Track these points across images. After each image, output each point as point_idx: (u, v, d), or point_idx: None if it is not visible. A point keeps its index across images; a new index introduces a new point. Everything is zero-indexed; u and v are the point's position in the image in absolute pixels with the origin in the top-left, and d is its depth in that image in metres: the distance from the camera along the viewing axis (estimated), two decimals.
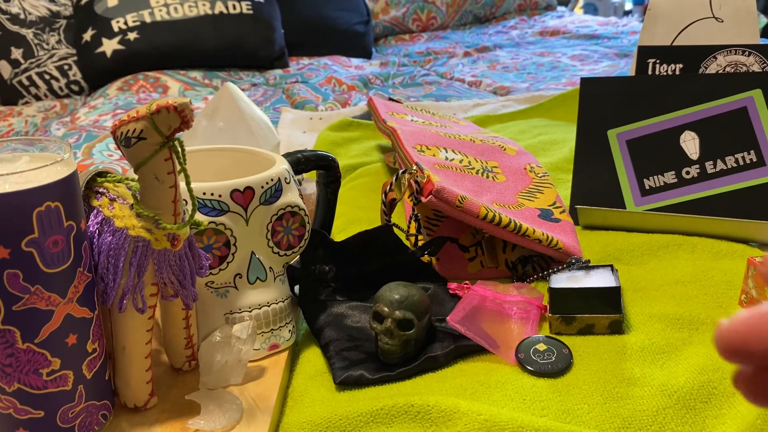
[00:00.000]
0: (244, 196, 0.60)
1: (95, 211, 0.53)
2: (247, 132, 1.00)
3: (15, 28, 1.79)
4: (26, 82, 1.79)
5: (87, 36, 1.80)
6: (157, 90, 1.73)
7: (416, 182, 0.74)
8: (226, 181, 0.60)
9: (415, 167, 0.76)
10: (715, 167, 0.86)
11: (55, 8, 1.87)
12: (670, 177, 0.87)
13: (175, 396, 0.58)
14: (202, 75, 1.82)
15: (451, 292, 0.71)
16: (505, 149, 1.00)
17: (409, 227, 0.78)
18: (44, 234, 0.46)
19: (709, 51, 0.97)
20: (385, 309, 0.61)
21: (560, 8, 2.92)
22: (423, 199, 0.72)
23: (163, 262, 0.52)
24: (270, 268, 0.63)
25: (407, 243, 0.78)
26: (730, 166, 0.85)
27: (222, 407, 0.54)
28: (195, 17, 1.85)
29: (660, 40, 1.05)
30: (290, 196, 0.63)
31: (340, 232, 0.89)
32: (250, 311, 0.62)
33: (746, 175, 0.84)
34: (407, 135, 0.94)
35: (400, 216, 0.95)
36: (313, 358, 0.64)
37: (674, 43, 1.05)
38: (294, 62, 2.04)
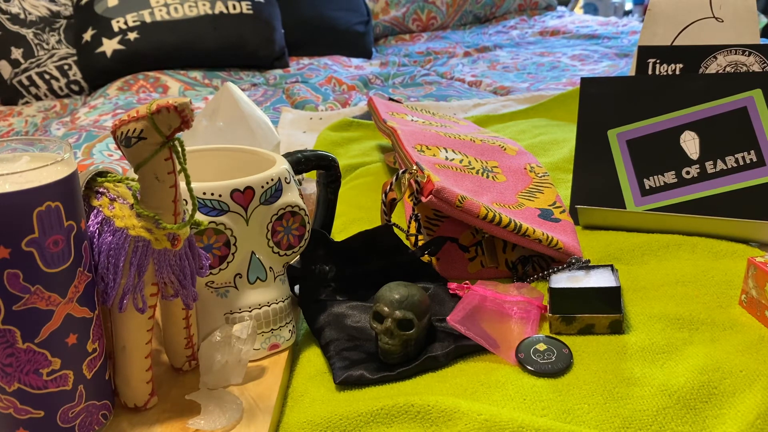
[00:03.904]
0: (244, 196, 0.60)
1: (95, 211, 0.53)
2: (247, 132, 1.00)
3: (15, 28, 1.79)
4: (26, 82, 1.79)
5: (87, 36, 1.80)
6: (157, 90, 1.73)
7: (416, 182, 0.74)
8: (226, 181, 0.60)
9: (415, 167, 0.76)
10: (715, 167, 0.86)
11: (55, 8, 1.87)
12: (670, 177, 0.87)
13: (175, 396, 0.58)
14: (202, 75, 1.82)
15: (451, 292, 0.71)
16: (505, 149, 1.00)
17: (409, 227, 0.78)
18: (44, 234, 0.46)
19: (709, 51, 0.97)
20: (386, 309, 0.61)
21: (560, 8, 2.92)
22: (423, 199, 0.73)
23: (164, 261, 0.52)
24: (270, 267, 0.63)
25: (407, 243, 0.78)
26: (730, 166, 0.85)
27: (222, 407, 0.54)
28: (195, 17, 1.85)
29: (660, 40, 1.05)
30: (290, 196, 0.63)
31: (340, 232, 0.89)
32: (250, 311, 0.62)
33: (746, 175, 0.84)
34: (407, 135, 0.94)
35: (400, 216, 0.95)
36: (313, 358, 0.64)
37: (674, 43, 1.05)
38: (294, 62, 2.04)
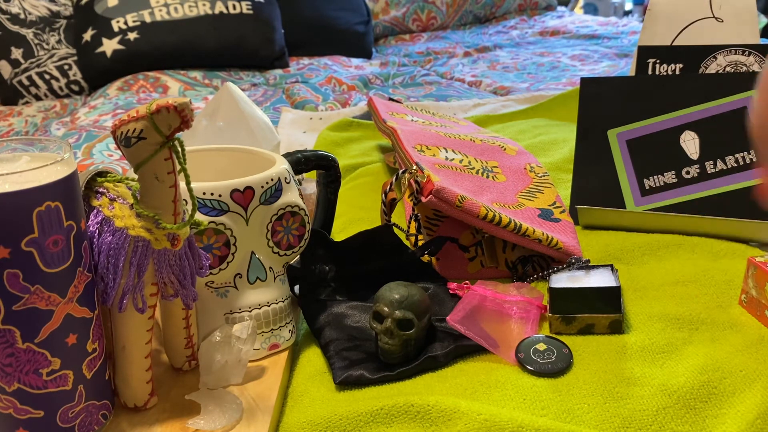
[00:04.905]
0: (244, 195, 0.60)
1: (95, 211, 0.53)
2: (247, 132, 1.00)
3: (15, 28, 1.79)
4: (26, 82, 1.79)
5: (87, 36, 1.80)
6: (157, 90, 1.73)
7: (416, 182, 0.74)
8: (226, 181, 0.60)
9: (415, 167, 0.76)
10: (715, 167, 0.86)
11: (55, 8, 1.87)
12: (670, 177, 0.87)
13: (175, 396, 0.58)
14: (202, 75, 1.82)
15: (451, 292, 0.71)
16: (505, 149, 1.00)
17: (409, 227, 0.78)
18: (44, 234, 0.46)
19: (709, 51, 0.97)
20: (385, 309, 0.61)
21: (560, 8, 2.92)
22: (423, 199, 0.73)
23: (163, 261, 0.52)
24: (270, 267, 0.63)
25: (407, 243, 0.78)
26: (730, 166, 0.85)
27: (222, 407, 0.54)
28: (195, 17, 1.85)
29: (660, 40, 1.05)
30: (290, 196, 0.63)
31: (340, 232, 0.89)
32: (250, 311, 0.62)
33: (746, 174, 0.84)
34: (407, 135, 0.94)
35: (400, 216, 0.95)
36: (313, 358, 0.64)
37: (674, 43, 1.05)
38: (294, 62, 2.04)
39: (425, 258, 0.78)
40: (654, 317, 0.66)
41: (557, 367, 0.59)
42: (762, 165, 0.25)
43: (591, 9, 3.77)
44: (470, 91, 1.72)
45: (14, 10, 1.80)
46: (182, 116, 0.47)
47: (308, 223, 0.65)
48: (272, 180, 0.62)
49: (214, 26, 1.85)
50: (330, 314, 0.68)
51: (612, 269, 0.69)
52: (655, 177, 0.88)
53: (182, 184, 0.54)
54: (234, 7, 1.89)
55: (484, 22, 2.70)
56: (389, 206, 0.77)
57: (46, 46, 1.82)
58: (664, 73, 0.98)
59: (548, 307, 0.66)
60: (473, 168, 0.88)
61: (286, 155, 0.70)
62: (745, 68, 0.96)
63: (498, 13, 2.72)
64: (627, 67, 1.83)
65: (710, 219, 0.79)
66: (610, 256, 0.79)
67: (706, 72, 0.97)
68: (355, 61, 2.11)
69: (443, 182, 0.73)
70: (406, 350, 0.61)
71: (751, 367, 0.57)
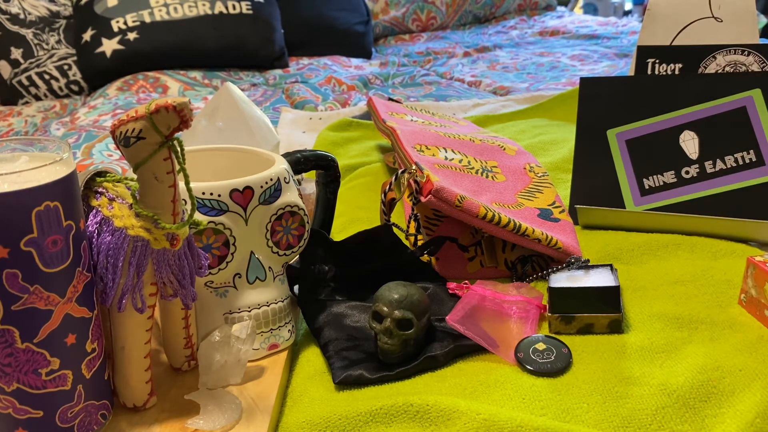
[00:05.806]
0: (243, 195, 0.60)
1: (94, 211, 0.53)
2: (246, 132, 1.00)
3: (15, 28, 1.79)
4: (26, 82, 1.79)
5: (87, 36, 1.81)
6: (156, 90, 1.73)
7: (416, 182, 0.74)
8: (225, 181, 0.60)
9: (414, 167, 0.76)
10: (714, 167, 0.86)
11: (54, 8, 1.87)
12: (669, 177, 0.87)
13: (174, 396, 0.58)
14: (201, 75, 1.82)
15: (450, 291, 0.71)
16: (504, 149, 1.00)
17: (408, 227, 0.78)
18: (43, 233, 0.46)
19: (709, 51, 0.97)
20: (385, 309, 0.61)
21: (560, 8, 2.92)
22: (422, 199, 0.73)
23: (163, 261, 0.52)
24: (269, 267, 0.63)
25: (407, 243, 0.78)
26: (729, 166, 0.85)
27: (221, 407, 0.54)
28: (195, 17, 1.85)
29: (659, 39, 1.05)
30: (289, 196, 0.63)
31: (339, 232, 0.89)
32: (249, 311, 0.62)
33: (745, 174, 0.84)
34: (407, 135, 0.94)
35: (400, 216, 0.95)
36: (312, 358, 0.64)
37: (673, 43, 1.05)
38: (294, 62, 2.04)
39: (425, 258, 0.78)
40: (653, 317, 0.66)
41: (556, 366, 0.59)
42: None
43: (590, 9, 3.77)
44: (470, 91, 1.72)
45: (14, 10, 1.80)
46: (181, 116, 0.47)
47: (307, 222, 0.65)
48: (271, 180, 0.62)
49: (213, 26, 1.85)
50: (329, 314, 0.68)
51: (611, 269, 0.69)
52: (655, 177, 0.88)
53: (181, 184, 0.54)
54: (234, 7, 1.89)
55: (484, 22, 2.70)
56: (389, 206, 0.77)
57: (45, 46, 1.82)
58: (664, 73, 0.98)
59: (548, 307, 0.66)
60: (473, 168, 0.88)
61: (286, 155, 0.70)
62: (744, 68, 0.96)
63: (498, 13, 2.72)
64: (626, 67, 1.83)
65: (709, 219, 0.79)
66: (610, 255, 0.79)
67: (706, 72, 0.97)
68: (355, 61, 2.11)
69: (442, 182, 0.73)
70: (406, 350, 0.61)
71: (751, 367, 0.57)
